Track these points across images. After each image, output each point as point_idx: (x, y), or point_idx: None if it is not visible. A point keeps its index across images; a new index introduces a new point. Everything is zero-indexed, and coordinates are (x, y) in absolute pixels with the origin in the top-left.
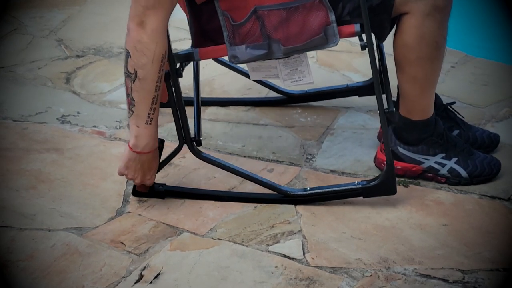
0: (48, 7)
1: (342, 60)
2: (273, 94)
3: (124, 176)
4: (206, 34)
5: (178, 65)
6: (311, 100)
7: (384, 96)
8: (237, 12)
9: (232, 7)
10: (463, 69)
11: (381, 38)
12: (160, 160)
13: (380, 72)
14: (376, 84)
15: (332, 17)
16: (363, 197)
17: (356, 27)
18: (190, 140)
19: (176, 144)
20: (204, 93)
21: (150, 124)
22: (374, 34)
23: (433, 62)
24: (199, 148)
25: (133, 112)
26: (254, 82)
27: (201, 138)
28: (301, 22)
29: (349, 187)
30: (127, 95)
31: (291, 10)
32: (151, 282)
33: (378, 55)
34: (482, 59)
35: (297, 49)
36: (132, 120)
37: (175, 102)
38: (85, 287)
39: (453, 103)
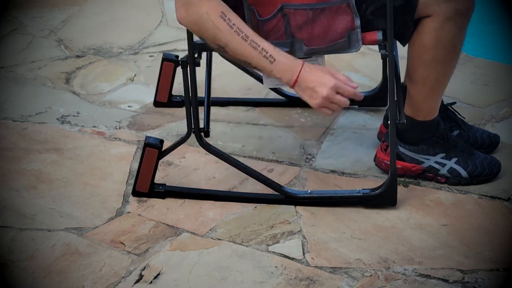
0: (48, 7)
1: (343, 60)
2: (273, 95)
3: (330, 103)
4: None
5: (196, 54)
6: (309, 105)
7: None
8: (263, 8)
9: (259, 2)
10: (463, 69)
11: (403, 39)
12: (165, 148)
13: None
14: (391, 96)
15: (358, 22)
16: (363, 206)
17: (378, 35)
18: (199, 130)
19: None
20: (202, 93)
21: (273, 59)
22: (396, 36)
23: (447, 65)
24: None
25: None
26: (254, 82)
27: (210, 130)
28: (326, 24)
29: (351, 194)
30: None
31: (317, 11)
32: (151, 282)
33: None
34: (482, 59)
35: (319, 50)
36: (266, 69)
37: (189, 91)
38: (85, 287)
39: (454, 103)
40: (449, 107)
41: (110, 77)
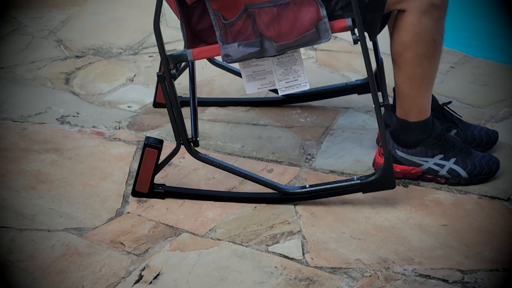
0: (48, 8)
1: (342, 60)
2: (272, 94)
3: None
4: (197, 35)
5: (172, 66)
6: (310, 99)
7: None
8: (228, 11)
9: (223, 6)
10: (462, 69)
11: (371, 36)
12: (159, 162)
13: (376, 68)
14: (371, 79)
15: (323, 12)
16: (362, 193)
17: (348, 22)
18: (187, 141)
19: (175, 144)
20: (204, 94)
21: None
22: (364, 31)
23: (430, 60)
24: (197, 148)
25: None
26: None
27: (198, 139)
28: (292, 19)
29: (348, 183)
30: None
31: (281, 7)
32: (150, 283)
33: (373, 51)
34: (482, 59)
35: (289, 45)
36: None
37: (170, 104)
38: (85, 287)
39: (449, 102)
40: (444, 106)
41: (109, 77)
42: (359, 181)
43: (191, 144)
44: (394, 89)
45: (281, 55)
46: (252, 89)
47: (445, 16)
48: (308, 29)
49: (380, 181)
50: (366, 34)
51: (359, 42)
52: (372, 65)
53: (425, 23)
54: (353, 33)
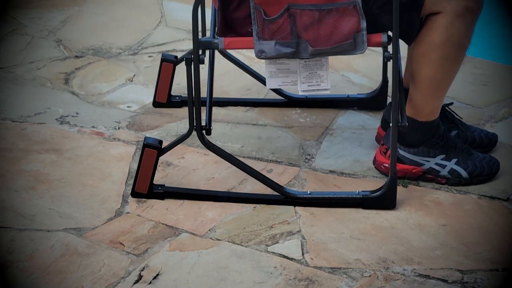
0: (47, 8)
1: (342, 61)
2: (272, 95)
3: None
4: (230, 23)
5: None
6: (310, 106)
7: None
8: (270, 7)
9: (266, 2)
10: (462, 69)
11: (409, 38)
12: (167, 145)
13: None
14: (395, 98)
15: (364, 24)
16: (362, 208)
17: (383, 37)
18: (201, 128)
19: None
20: (203, 93)
21: None
22: (401, 34)
23: (454, 64)
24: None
25: None
26: (254, 82)
27: (211, 128)
28: (332, 25)
29: (350, 196)
30: None
31: (324, 12)
32: (150, 283)
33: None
34: (481, 59)
35: (324, 51)
36: None
37: (192, 88)
38: (85, 287)
39: (451, 103)
40: (446, 107)
41: (109, 77)
42: (360, 196)
43: (204, 131)
44: (404, 87)
45: (310, 58)
46: (273, 84)
47: (476, 21)
48: (346, 39)
49: (381, 199)
50: (402, 40)
51: (391, 60)
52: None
53: (457, 26)
54: (385, 51)
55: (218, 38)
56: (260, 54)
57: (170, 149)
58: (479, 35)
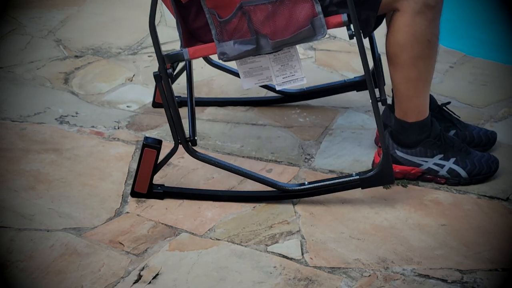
0: (47, 8)
1: (341, 60)
2: (271, 94)
3: None
4: (194, 33)
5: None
6: (309, 98)
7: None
8: (223, 9)
9: (218, 5)
10: (461, 69)
11: (364, 34)
12: (158, 161)
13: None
14: (367, 74)
15: (318, 8)
16: (362, 188)
17: (343, 17)
18: (185, 140)
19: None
20: (203, 93)
21: None
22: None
23: (426, 61)
24: (196, 148)
25: None
26: None
27: (196, 138)
28: (287, 15)
29: (347, 179)
30: None
31: (276, 4)
32: (149, 283)
33: (370, 47)
34: (481, 59)
35: (285, 42)
36: None
37: (168, 104)
38: (84, 287)
39: (448, 103)
40: (443, 107)
41: (108, 77)
42: (358, 177)
43: (189, 143)
44: (392, 89)
45: (277, 52)
46: (249, 84)
47: (440, 17)
48: (304, 26)
49: (379, 176)
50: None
51: (354, 38)
52: (370, 62)
53: (419, 23)
54: (348, 29)
55: (182, 49)
56: (222, 57)
57: (162, 166)
58: (478, 35)
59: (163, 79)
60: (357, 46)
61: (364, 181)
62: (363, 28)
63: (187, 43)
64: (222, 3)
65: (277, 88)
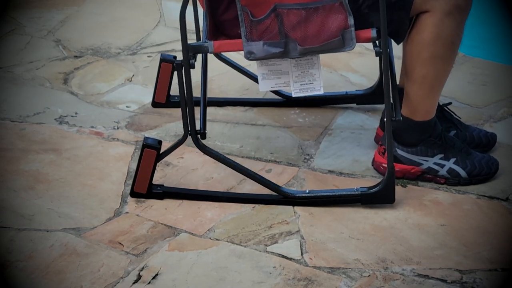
0: (46, 8)
1: (341, 60)
2: (271, 95)
3: None
4: (220, 26)
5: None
6: (308, 105)
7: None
8: (256, 8)
9: (252, 3)
10: (461, 69)
11: (399, 37)
12: (162, 152)
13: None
14: (387, 93)
15: (351, 21)
16: (361, 204)
17: (373, 33)
18: (195, 132)
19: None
20: (199, 94)
21: None
22: (391, 34)
23: (446, 62)
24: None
25: None
26: (252, 82)
27: (206, 132)
28: (319, 23)
29: (348, 193)
30: None
31: (310, 11)
32: (149, 283)
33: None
34: (480, 59)
35: (313, 50)
36: None
37: (185, 93)
38: (84, 287)
39: (449, 103)
40: (445, 107)
41: (108, 77)
42: (359, 192)
43: (199, 136)
44: (398, 87)
45: (300, 57)
46: (266, 87)
47: (466, 19)
48: (334, 36)
49: (380, 195)
50: (392, 39)
51: (379, 54)
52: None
53: (447, 25)
54: (375, 46)
55: (207, 42)
56: (249, 56)
57: (167, 154)
58: (478, 35)
59: (185, 67)
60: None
61: (364, 197)
62: (396, 30)
63: (211, 36)
64: (257, 1)
65: (293, 95)
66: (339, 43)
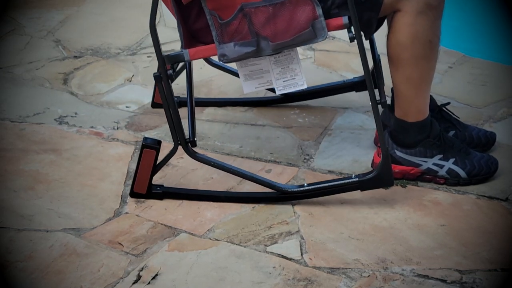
0: (46, 8)
1: (340, 61)
2: (271, 93)
3: None
4: (195, 34)
5: (169, 67)
6: (308, 98)
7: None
8: (224, 11)
9: (219, 6)
10: (460, 69)
11: (366, 35)
12: (157, 162)
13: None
14: (367, 76)
15: (319, 11)
16: (361, 190)
17: (344, 19)
18: (185, 141)
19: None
20: (202, 94)
21: None
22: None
23: (427, 61)
24: (194, 149)
25: None
26: None
27: (195, 139)
28: (288, 18)
29: (346, 181)
30: None
31: (277, 6)
32: (149, 283)
33: (370, 49)
34: (480, 59)
35: (285, 44)
36: None
37: (167, 105)
38: (83, 287)
39: (448, 104)
40: (443, 108)
41: (108, 77)
42: (357, 179)
43: (189, 144)
44: (392, 89)
45: (278, 54)
46: (250, 88)
47: (442, 17)
48: (304, 28)
49: (378, 178)
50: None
51: (355, 40)
52: (369, 63)
53: (421, 24)
54: (349, 31)
55: (183, 50)
56: (222, 58)
57: (161, 167)
58: (477, 35)
59: (163, 80)
60: (356, 46)
61: (363, 183)
62: (365, 29)
63: (188, 44)
64: (223, 4)
65: (278, 92)
66: (310, 34)
